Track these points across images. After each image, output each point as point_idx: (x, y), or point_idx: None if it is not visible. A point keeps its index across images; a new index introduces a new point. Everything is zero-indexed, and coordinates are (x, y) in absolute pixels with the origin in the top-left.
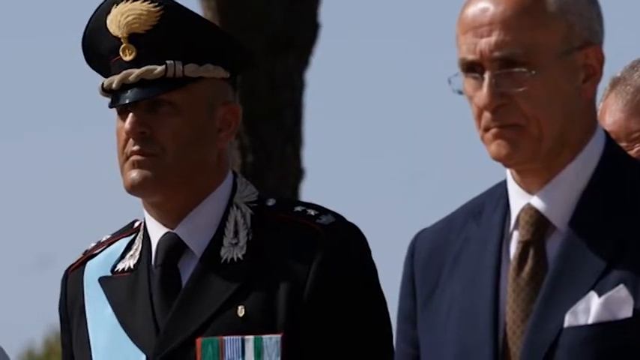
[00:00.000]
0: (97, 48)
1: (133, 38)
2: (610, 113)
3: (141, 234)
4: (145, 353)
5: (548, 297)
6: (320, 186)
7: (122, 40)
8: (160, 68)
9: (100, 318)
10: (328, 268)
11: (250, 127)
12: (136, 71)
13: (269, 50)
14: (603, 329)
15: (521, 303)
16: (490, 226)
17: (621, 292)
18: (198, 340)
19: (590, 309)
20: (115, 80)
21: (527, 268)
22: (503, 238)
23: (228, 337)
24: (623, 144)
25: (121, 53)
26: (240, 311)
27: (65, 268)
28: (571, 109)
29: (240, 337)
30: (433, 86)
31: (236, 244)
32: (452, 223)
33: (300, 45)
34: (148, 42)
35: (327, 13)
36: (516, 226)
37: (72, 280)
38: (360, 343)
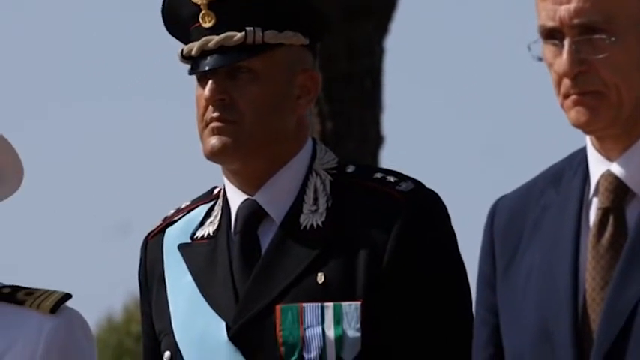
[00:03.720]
0: (177, 15)
1: (213, 5)
2: None
3: (220, 201)
4: (224, 320)
5: (627, 264)
6: (399, 153)
7: (202, 7)
8: (239, 35)
9: (180, 285)
10: (408, 235)
11: (330, 93)
12: (216, 38)
13: (348, 17)
14: None
15: (600, 270)
16: (569, 192)
17: None
18: (278, 307)
19: None
20: (194, 47)
21: (606, 235)
22: (583, 205)
23: (308, 304)
24: None
25: (200, 20)
26: (320, 278)
27: (144, 235)
28: None
29: (319, 304)
30: (513, 52)
31: (315, 210)
32: (531, 190)
33: (378, 12)
34: (228, 8)
35: None
36: (596, 193)
37: (151, 246)
38: (439, 310)
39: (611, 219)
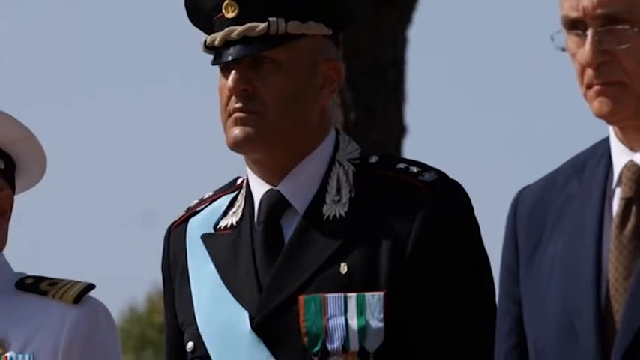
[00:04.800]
0: (200, 5)
1: None
2: None
3: (243, 191)
4: (247, 310)
5: None
6: (423, 143)
7: None
8: (262, 25)
9: (203, 275)
10: (431, 226)
11: (353, 84)
12: (239, 28)
13: (372, 7)
14: None
15: (623, 260)
16: (592, 183)
17: None
18: (301, 297)
19: None
20: (217, 37)
21: (629, 225)
22: (606, 195)
23: (331, 294)
24: None
25: (223, 10)
26: (343, 268)
27: (168, 226)
28: None
29: (342, 294)
30: (537, 42)
31: (338, 201)
32: (554, 180)
33: (402, 2)
34: None
35: None
36: (619, 183)
37: (174, 237)
38: (462, 301)
39: (634, 209)
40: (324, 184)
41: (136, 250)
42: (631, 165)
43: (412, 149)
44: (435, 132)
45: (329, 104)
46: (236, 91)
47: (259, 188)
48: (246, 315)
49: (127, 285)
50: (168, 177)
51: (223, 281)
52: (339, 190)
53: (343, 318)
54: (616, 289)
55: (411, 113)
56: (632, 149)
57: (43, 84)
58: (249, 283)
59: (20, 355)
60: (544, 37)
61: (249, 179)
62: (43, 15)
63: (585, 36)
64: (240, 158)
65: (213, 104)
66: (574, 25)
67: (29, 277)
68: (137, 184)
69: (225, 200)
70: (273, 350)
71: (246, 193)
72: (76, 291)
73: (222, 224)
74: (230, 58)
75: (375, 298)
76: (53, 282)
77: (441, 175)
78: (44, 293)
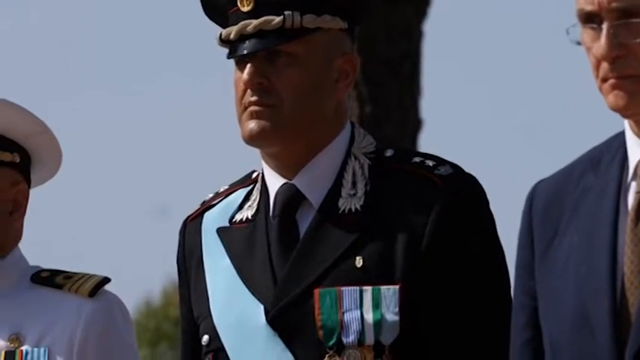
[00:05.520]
0: None
1: None
2: None
3: (259, 185)
4: (262, 304)
5: None
6: (438, 136)
7: None
8: (277, 19)
9: (218, 268)
10: (446, 219)
11: (369, 77)
12: (254, 22)
13: (387, 1)
14: None
15: (639, 254)
16: (608, 176)
17: None
18: (316, 291)
19: None
20: (232, 31)
21: None
22: (621, 189)
23: (346, 288)
24: None
25: (239, 4)
26: (358, 262)
27: (183, 219)
28: None
29: (358, 288)
30: (552, 36)
31: (354, 194)
32: (570, 174)
33: None
34: None
35: None
36: (634, 177)
37: (190, 230)
38: (477, 294)
39: None
40: (339, 178)
41: (152, 244)
42: None
43: (427, 143)
44: (450, 126)
45: (344, 98)
46: (251, 84)
47: (275, 182)
48: (261, 308)
49: (143, 279)
50: (183, 171)
51: (238, 275)
52: (354, 184)
53: (358, 312)
54: (631, 283)
55: (427, 107)
56: None
57: (58, 78)
58: (265, 277)
59: (35, 349)
60: (560, 30)
61: (265, 173)
62: (64, 10)
63: (601, 29)
64: (255, 152)
65: (229, 98)
66: (589, 18)
67: (44, 270)
68: (152, 178)
69: (241, 194)
70: (288, 344)
71: (261, 186)
72: (92, 285)
73: (237, 218)
74: (245, 52)
75: (390, 292)
76: (68, 276)
77: (457, 169)
78: (60, 287)
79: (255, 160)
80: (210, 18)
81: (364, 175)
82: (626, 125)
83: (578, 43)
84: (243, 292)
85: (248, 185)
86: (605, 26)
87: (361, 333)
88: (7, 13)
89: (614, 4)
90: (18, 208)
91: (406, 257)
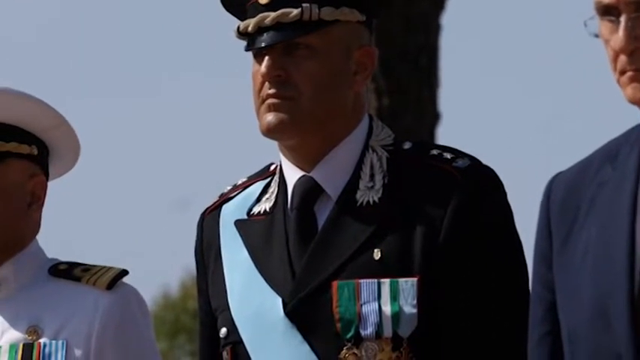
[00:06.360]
0: None
1: None
2: None
3: (277, 177)
4: (280, 296)
5: None
6: (456, 129)
7: None
8: (295, 11)
9: (236, 261)
10: (464, 212)
11: (386, 70)
12: (272, 14)
13: None
14: None
15: None
16: (625, 169)
17: None
18: (334, 283)
19: None
20: (250, 23)
21: None
22: (639, 182)
23: (364, 280)
24: None
25: None
26: (377, 254)
27: (201, 212)
28: None
29: (376, 280)
30: (570, 28)
31: (372, 187)
32: (588, 167)
33: None
34: None
35: None
36: None
37: (208, 223)
38: (496, 287)
39: None
40: (357, 170)
41: (170, 237)
42: None
43: (445, 135)
44: (468, 118)
45: (362, 90)
46: (269, 77)
47: (293, 174)
48: (279, 301)
49: (161, 271)
50: (201, 163)
51: (257, 267)
52: (372, 176)
53: (377, 304)
54: None
55: (445, 99)
56: None
57: (83, 74)
58: (283, 269)
59: (54, 342)
60: (577, 22)
61: (283, 165)
62: (92, 8)
63: (619, 22)
64: (273, 144)
65: (246, 91)
66: (607, 11)
67: (62, 263)
68: (170, 171)
69: (259, 186)
70: (306, 336)
71: (279, 179)
72: (110, 277)
73: (255, 210)
74: (263, 44)
75: (408, 284)
76: (86, 268)
77: (475, 162)
78: (77, 279)
79: (273, 153)
80: (228, 10)
81: (382, 168)
82: None
83: (596, 36)
84: (261, 285)
85: (266, 178)
86: (623, 19)
87: (379, 325)
88: (32, 7)
89: None
90: (36, 200)
91: (424, 250)
